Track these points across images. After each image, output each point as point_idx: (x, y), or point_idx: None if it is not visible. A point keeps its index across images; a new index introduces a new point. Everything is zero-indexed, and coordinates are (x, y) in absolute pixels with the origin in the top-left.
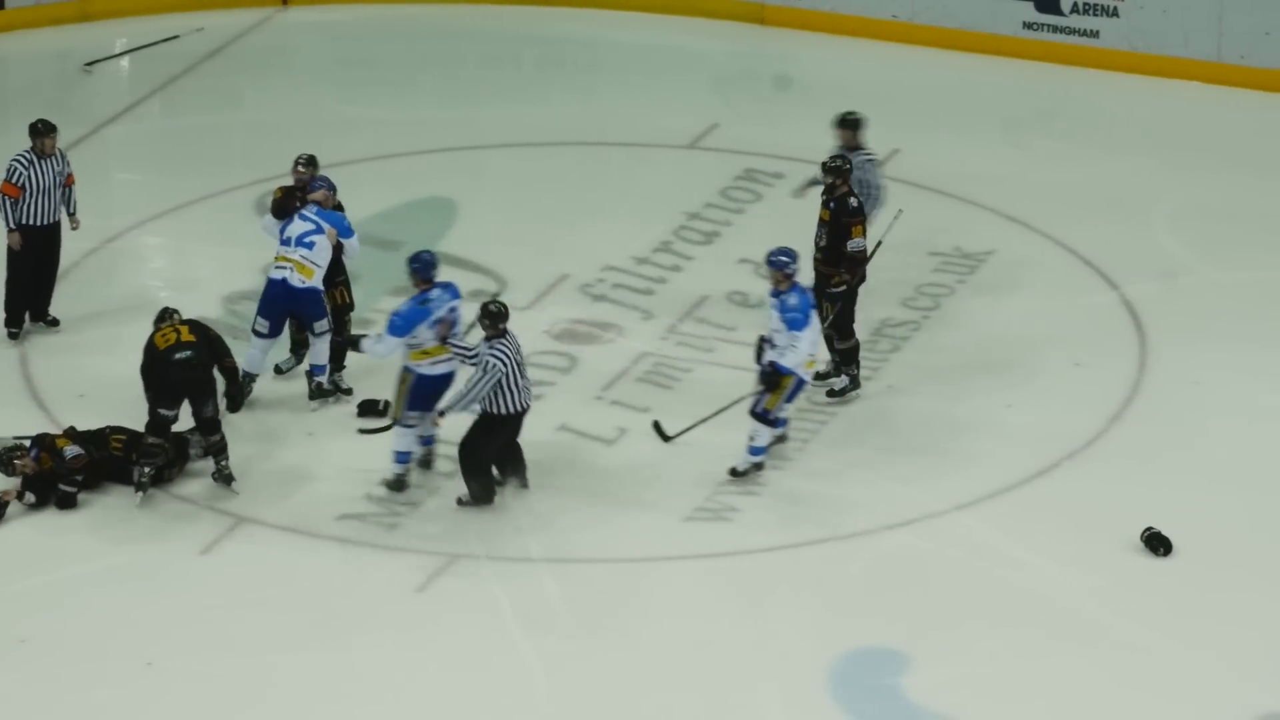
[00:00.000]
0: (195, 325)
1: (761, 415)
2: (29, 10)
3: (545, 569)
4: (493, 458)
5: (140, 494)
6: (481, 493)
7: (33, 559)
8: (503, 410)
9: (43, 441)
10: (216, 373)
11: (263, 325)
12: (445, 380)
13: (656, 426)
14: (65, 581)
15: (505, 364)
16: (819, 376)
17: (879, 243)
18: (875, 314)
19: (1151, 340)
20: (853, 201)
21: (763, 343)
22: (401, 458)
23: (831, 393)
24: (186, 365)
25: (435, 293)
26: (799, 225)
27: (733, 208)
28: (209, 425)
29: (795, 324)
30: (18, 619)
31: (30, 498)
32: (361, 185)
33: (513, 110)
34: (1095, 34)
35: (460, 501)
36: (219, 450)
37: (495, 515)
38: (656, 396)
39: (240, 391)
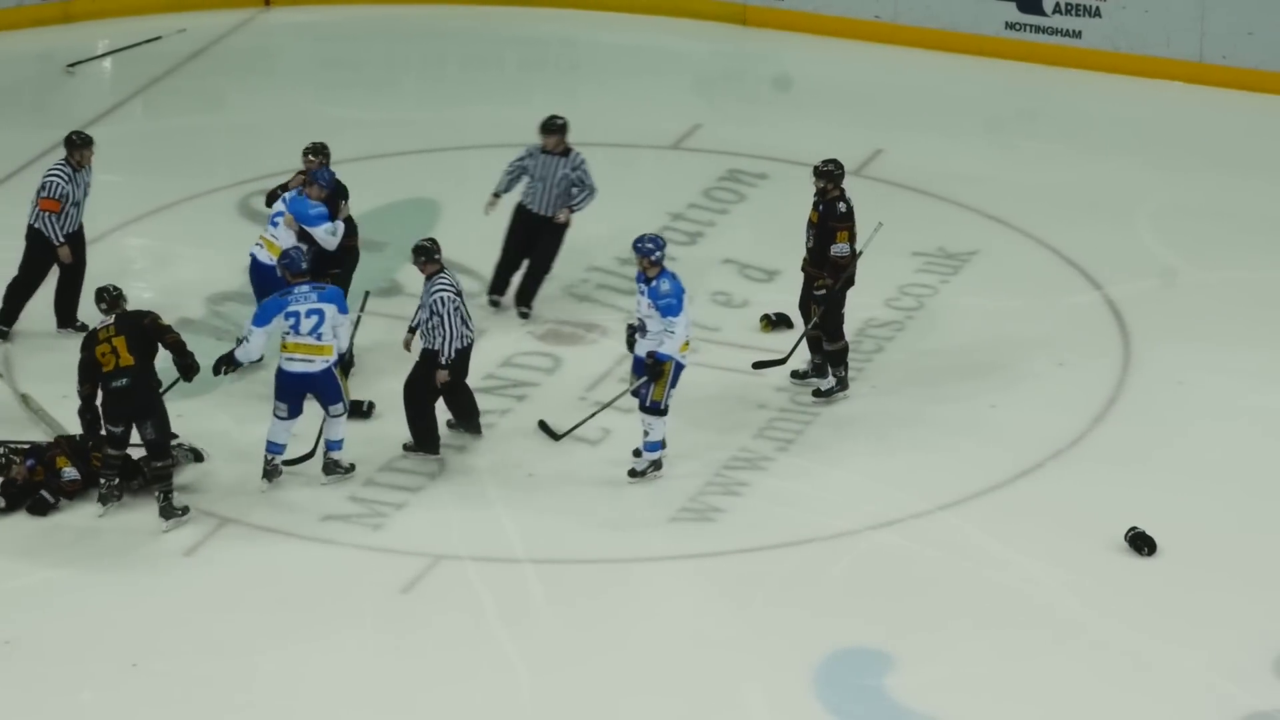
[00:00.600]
0: (129, 331)
1: (653, 408)
2: (11, 11)
3: (529, 569)
4: (435, 399)
5: (104, 506)
6: (425, 437)
7: (14, 561)
8: (446, 347)
9: (41, 456)
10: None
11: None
12: (311, 379)
13: (543, 425)
14: (48, 584)
15: (457, 293)
16: (797, 375)
17: (859, 252)
18: (859, 314)
19: (1135, 340)
20: (841, 207)
21: (633, 332)
22: (273, 448)
23: (818, 393)
24: (124, 395)
25: (303, 288)
26: (781, 226)
27: (716, 208)
28: (152, 448)
29: (669, 310)
30: (0, 621)
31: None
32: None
33: (496, 111)
34: (1078, 34)
35: (406, 448)
36: (160, 478)
37: (479, 515)
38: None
39: (189, 364)
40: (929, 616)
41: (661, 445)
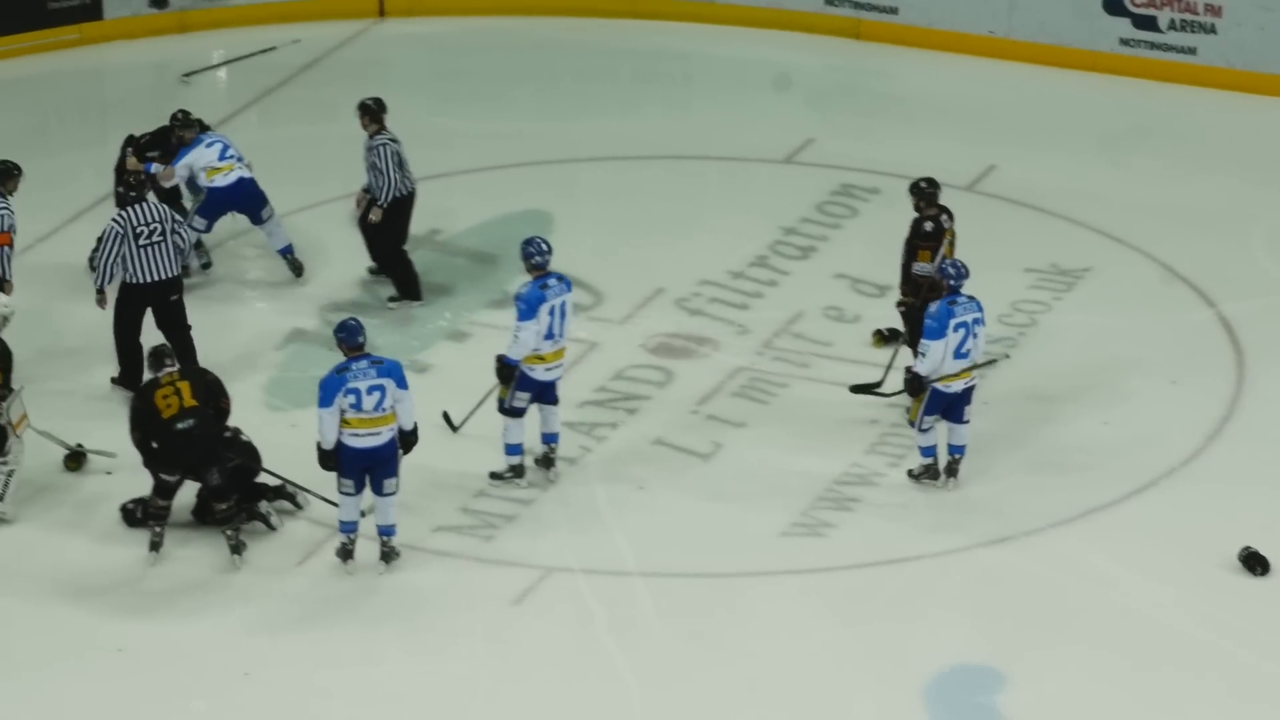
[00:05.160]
0: (194, 379)
1: (499, 406)
2: (128, 21)
3: (640, 583)
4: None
5: (155, 554)
6: (405, 284)
7: (128, 569)
8: (383, 193)
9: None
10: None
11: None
12: (375, 452)
13: (445, 417)
14: (162, 592)
15: (395, 143)
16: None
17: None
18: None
19: (1249, 358)
20: (926, 226)
21: None
22: (346, 528)
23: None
24: (188, 437)
25: (361, 364)
26: (894, 241)
27: (829, 223)
28: (216, 493)
29: (520, 314)
30: (115, 627)
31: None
32: (457, 198)
33: (608, 124)
34: (1193, 51)
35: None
36: (227, 520)
37: (590, 528)
38: (752, 411)
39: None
40: (1040, 635)
41: (520, 450)
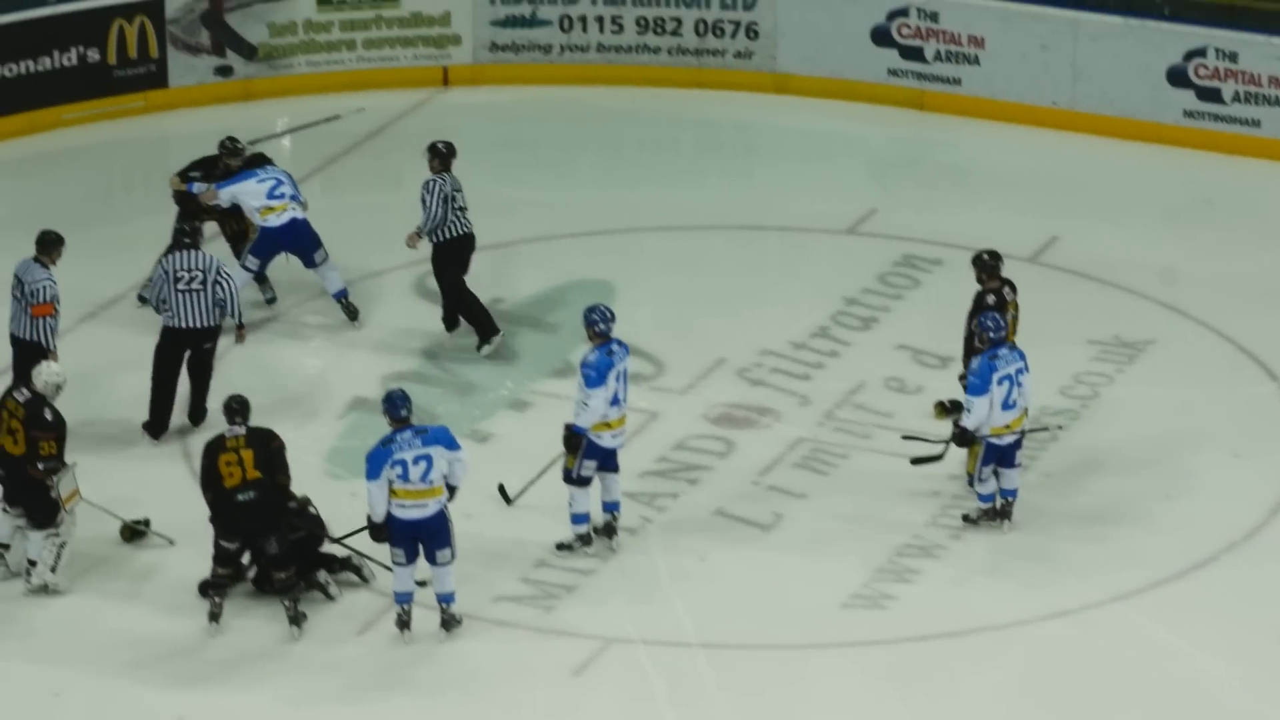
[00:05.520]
0: (259, 448)
1: (565, 477)
2: (192, 89)
3: (701, 654)
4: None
5: (214, 624)
6: (480, 320)
7: (186, 639)
8: (425, 225)
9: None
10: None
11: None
12: (423, 524)
13: (501, 490)
14: (220, 662)
15: (445, 183)
16: (919, 461)
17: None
18: (1032, 403)
19: None
20: (989, 299)
21: None
22: (401, 598)
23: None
24: (250, 509)
25: (405, 435)
26: (956, 312)
27: (891, 294)
28: (274, 562)
29: (588, 381)
30: (173, 697)
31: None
32: (519, 267)
33: (670, 193)
34: (1256, 123)
35: (559, 548)
36: (286, 589)
37: (651, 599)
38: (814, 482)
39: (304, 520)
40: (1102, 708)
41: (586, 519)
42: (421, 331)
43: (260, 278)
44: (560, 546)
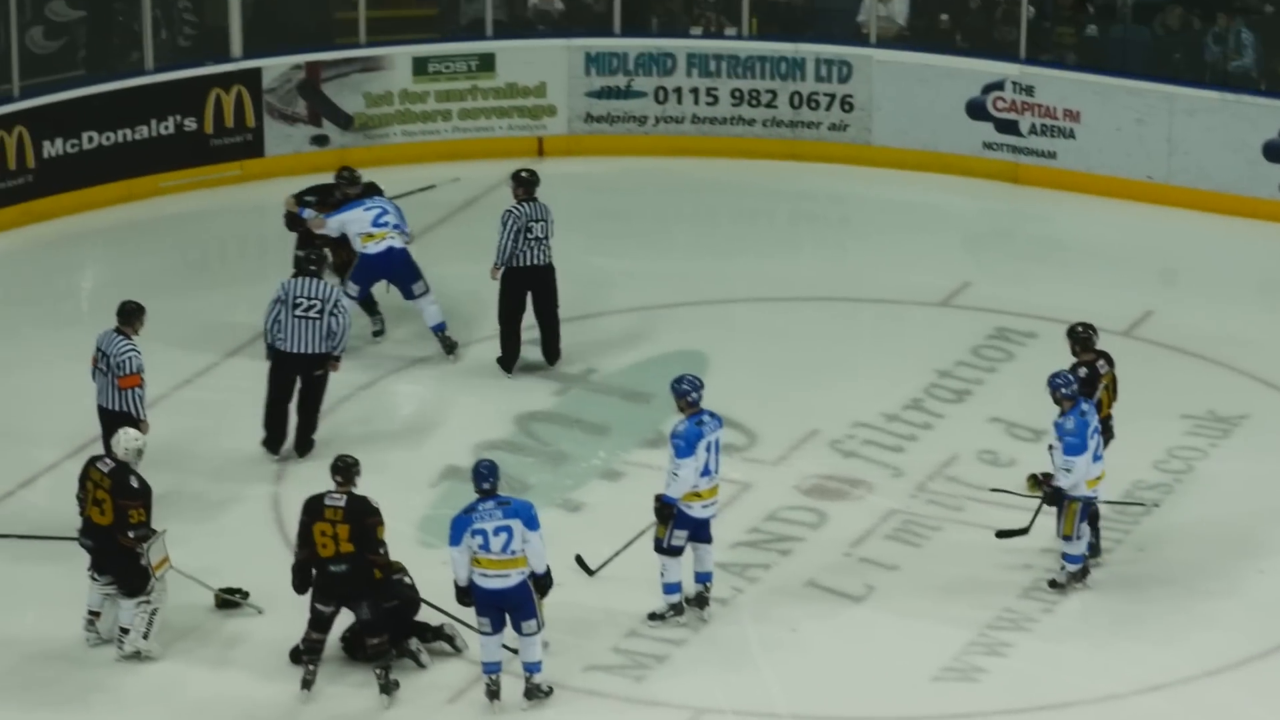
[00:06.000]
0: (355, 523)
1: (656, 546)
2: (289, 158)
3: None
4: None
5: (307, 691)
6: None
7: (279, 705)
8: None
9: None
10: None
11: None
12: (505, 595)
13: (580, 561)
14: None
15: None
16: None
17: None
18: (1125, 477)
19: None
20: (1082, 371)
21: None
22: (489, 668)
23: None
24: (342, 579)
25: (488, 505)
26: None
27: (984, 366)
28: (367, 627)
29: (677, 451)
30: None
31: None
32: (613, 337)
33: (764, 264)
34: None
35: (651, 618)
36: (378, 656)
37: (741, 669)
38: (906, 554)
39: (398, 590)
40: None
41: (677, 589)
42: (515, 400)
43: (371, 309)
44: (652, 616)
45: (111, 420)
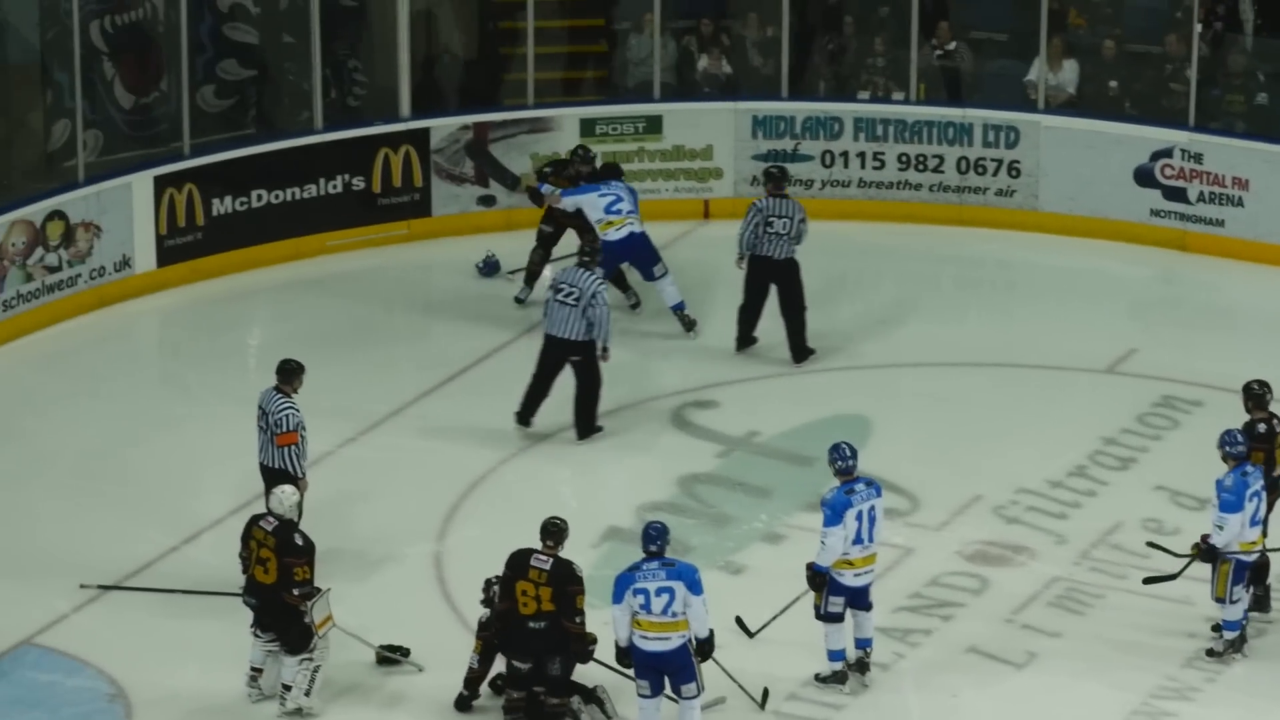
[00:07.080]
0: (557, 588)
1: (816, 613)
2: (455, 218)
3: None
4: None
5: None
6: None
7: None
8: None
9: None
10: None
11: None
12: (664, 657)
13: (739, 623)
14: None
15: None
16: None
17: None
18: None
19: None
20: (1259, 428)
21: None
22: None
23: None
24: (539, 636)
25: (651, 565)
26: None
27: (1150, 434)
28: (552, 684)
29: (825, 519)
30: None
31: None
32: (777, 400)
33: (930, 329)
34: None
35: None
36: (555, 716)
37: None
38: (1068, 622)
39: (582, 652)
40: None
41: (843, 655)
42: (678, 461)
43: (622, 285)
44: (818, 678)
45: (271, 477)
